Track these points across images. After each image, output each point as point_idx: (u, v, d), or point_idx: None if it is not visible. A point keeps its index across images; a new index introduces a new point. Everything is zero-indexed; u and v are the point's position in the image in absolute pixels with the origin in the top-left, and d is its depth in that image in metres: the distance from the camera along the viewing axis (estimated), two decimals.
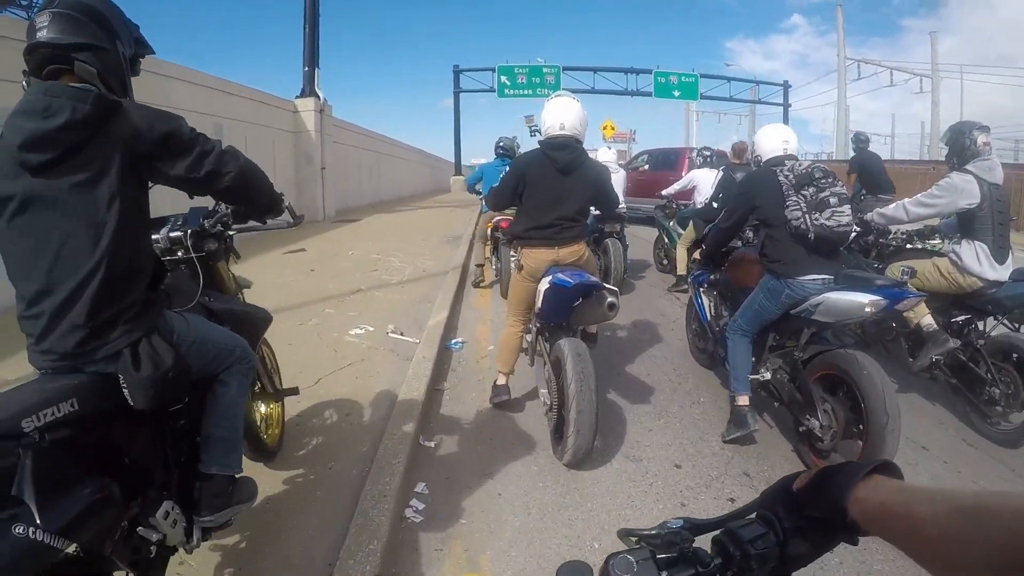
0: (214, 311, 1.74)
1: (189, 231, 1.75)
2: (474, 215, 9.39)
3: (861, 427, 2.32)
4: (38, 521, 1.01)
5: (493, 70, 24.53)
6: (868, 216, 3.52)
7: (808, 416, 2.53)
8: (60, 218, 1.22)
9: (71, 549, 1.07)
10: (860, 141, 7.85)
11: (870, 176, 7.44)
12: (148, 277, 1.39)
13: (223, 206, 1.81)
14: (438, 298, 5.29)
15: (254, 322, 1.96)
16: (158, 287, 1.50)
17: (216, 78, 9.72)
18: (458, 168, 27.88)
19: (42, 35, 1.26)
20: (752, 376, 2.83)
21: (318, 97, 12.09)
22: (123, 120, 1.26)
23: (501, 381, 3.08)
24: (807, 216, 2.50)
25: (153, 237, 1.67)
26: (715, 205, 4.94)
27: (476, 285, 6.19)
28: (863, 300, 2.41)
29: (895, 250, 3.56)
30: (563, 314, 2.70)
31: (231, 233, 1.88)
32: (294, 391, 2.51)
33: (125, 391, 1.29)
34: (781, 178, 2.61)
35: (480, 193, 5.93)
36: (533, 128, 5.40)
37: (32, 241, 1.24)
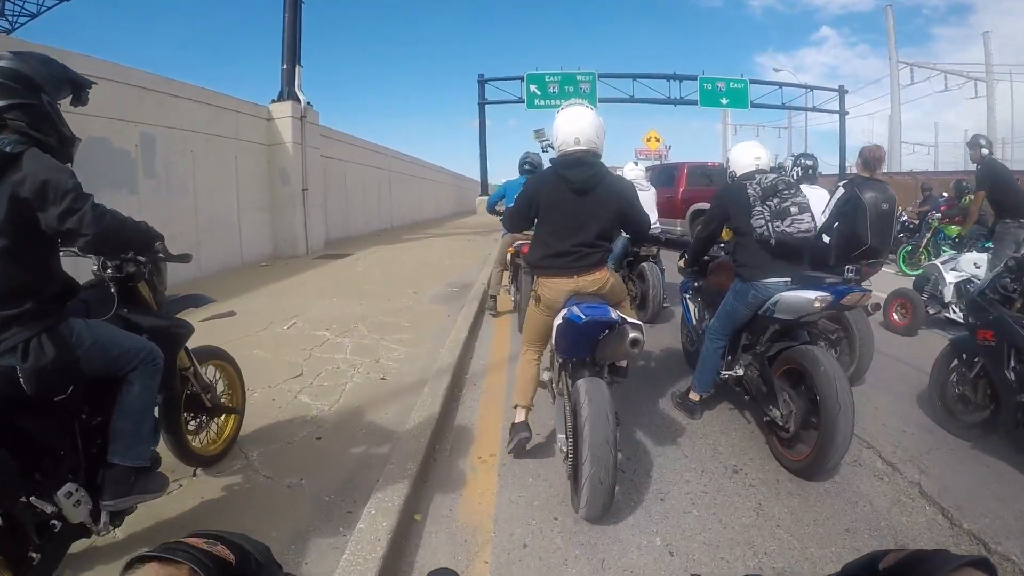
0: (131, 322, 1.97)
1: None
2: (497, 246, 6.86)
3: (817, 416, 2.51)
4: None
5: (522, 79, 22.11)
6: None
7: (771, 406, 2.72)
8: None
9: None
10: (985, 146, 5.39)
11: (1003, 192, 5.33)
12: (46, 294, 1.63)
13: None
14: (381, 482, 2.41)
15: (168, 334, 2.10)
16: (64, 301, 1.73)
17: (153, 75, 7.39)
18: (484, 188, 25.40)
19: None
20: (727, 372, 3.09)
21: (298, 101, 9.62)
22: (16, 169, 1.50)
23: (520, 418, 2.66)
24: (770, 224, 2.75)
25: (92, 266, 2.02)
26: (826, 239, 3.72)
27: (490, 311, 5.72)
28: (811, 296, 2.66)
29: None
30: (584, 350, 2.31)
31: (144, 260, 2.07)
32: (238, 410, 2.68)
33: (21, 380, 1.53)
34: (750, 191, 2.86)
35: (502, 214, 5.21)
36: (544, 143, 4.81)
37: None
